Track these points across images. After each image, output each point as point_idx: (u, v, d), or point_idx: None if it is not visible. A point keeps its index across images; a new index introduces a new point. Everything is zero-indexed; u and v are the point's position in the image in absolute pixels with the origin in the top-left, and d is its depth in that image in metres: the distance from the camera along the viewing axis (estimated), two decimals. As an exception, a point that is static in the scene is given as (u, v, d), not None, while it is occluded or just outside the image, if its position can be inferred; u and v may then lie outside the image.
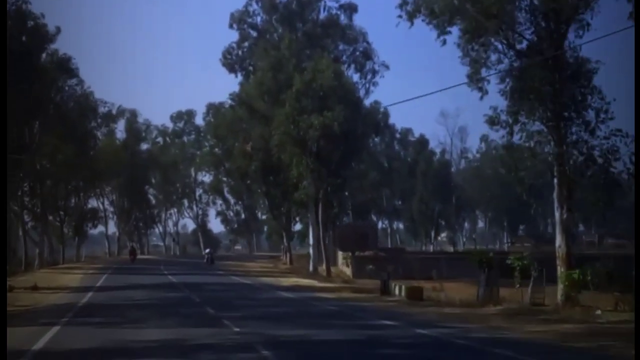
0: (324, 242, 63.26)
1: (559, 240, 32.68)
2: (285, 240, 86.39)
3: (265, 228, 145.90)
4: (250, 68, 68.81)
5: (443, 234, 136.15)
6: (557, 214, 33.28)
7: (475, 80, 36.03)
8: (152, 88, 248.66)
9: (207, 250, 67.27)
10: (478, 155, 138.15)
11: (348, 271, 64.18)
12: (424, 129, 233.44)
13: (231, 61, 69.11)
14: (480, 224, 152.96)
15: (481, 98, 35.94)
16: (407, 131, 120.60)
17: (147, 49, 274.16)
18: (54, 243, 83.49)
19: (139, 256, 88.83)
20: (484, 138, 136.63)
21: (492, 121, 36.19)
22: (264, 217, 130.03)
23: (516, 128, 36.80)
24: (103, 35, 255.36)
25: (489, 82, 36.15)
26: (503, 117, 36.15)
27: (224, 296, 33.10)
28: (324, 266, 63.38)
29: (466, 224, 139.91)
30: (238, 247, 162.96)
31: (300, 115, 59.20)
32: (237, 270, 63.44)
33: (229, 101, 69.47)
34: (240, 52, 69.61)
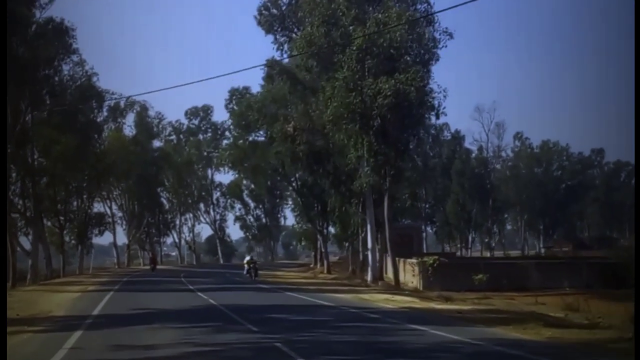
0: (391, 245, 46.19)
1: None
2: (321, 244, 69.47)
3: (280, 236, 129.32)
4: (294, 29, 51.36)
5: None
6: None
7: None
8: (165, 80, 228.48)
9: (248, 258, 49.26)
10: (511, 155, 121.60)
11: (414, 280, 47.46)
12: (458, 125, 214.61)
13: (269, 18, 51.49)
14: (508, 226, 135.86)
15: None
16: (443, 126, 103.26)
17: (159, 34, 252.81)
18: (52, 253, 66.35)
19: (153, 266, 71.91)
20: (518, 136, 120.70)
21: None
22: (286, 222, 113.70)
23: None
24: (112, 21, 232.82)
25: None
26: None
27: (339, 345, 15.63)
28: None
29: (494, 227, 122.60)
30: (247, 256, 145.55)
31: (363, 80, 42.41)
32: (279, 282, 46.61)
33: (264, 70, 51.50)
34: (277, 12, 52.06)
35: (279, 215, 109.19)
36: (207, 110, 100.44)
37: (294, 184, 71.39)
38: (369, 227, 49.64)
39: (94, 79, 62.94)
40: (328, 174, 51.38)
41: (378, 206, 46.17)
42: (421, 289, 44.96)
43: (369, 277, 49.15)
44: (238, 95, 71.38)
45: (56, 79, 58.06)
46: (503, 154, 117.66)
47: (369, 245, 49.79)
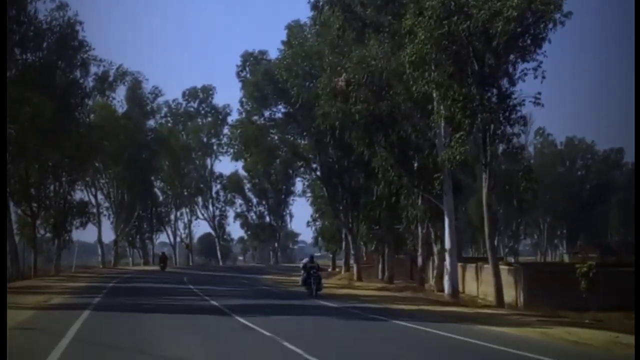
0: (492, 246, 31.10)
1: None
2: (350, 244, 54.00)
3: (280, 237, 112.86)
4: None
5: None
6: None
7: None
8: (161, 50, 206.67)
9: (307, 260, 31.85)
10: (532, 152, 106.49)
11: (513, 295, 31.89)
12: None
13: None
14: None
15: None
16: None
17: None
18: (21, 248, 51.00)
19: (145, 267, 56.36)
20: (539, 131, 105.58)
21: None
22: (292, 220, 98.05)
23: None
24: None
25: None
26: None
27: None
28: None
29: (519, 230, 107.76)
30: (240, 257, 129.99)
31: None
32: (338, 296, 30.83)
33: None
34: None
35: (284, 213, 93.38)
36: (207, 91, 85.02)
37: (317, 172, 56.00)
38: (446, 220, 34.18)
39: (77, 27, 47.39)
40: (392, 145, 35.58)
41: (490, 187, 30.72)
42: (522, 305, 30.08)
43: (446, 290, 33.83)
44: (252, 61, 56.00)
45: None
46: (525, 152, 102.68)
47: (447, 245, 34.36)
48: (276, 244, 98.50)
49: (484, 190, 30.81)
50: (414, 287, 39.42)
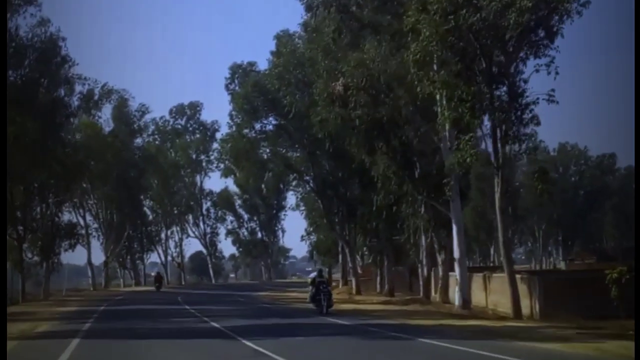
0: (508, 254, 29.09)
1: None
2: (348, 257, 51.69)
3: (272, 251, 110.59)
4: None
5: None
6: None
7: None
8: (147, 67, 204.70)
9: (315, 274, 28.46)
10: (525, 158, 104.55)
11: (528, 304, 29.48)
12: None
13: None
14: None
15: None
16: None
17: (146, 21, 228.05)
18: (8, 272, 48.43)
19: (137, 288, 53.95)
20: (531, 137, 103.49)
21: None
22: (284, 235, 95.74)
23: None
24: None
25: None
26: None
27: None
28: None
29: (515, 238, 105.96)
30: (232, 275, 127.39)
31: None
32: (348, 311, 28.67)
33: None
34: None
35: (276, 228, 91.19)
36: (195, 107, 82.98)
37: (310, 184, 53.91)
38: (454, 228, 32.22)
39: (60, 43, 45.30)
40: (394, 151, 33.53)
41: (504, 191, 28.67)
42: (538, 315, 27.87)
43: (456, 301, 31.81)
44: (241, 73, 54.08)
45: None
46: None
47: (456, 254, 32.39)
48: (269, 260, 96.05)
49: (497, 195, 28.72)
50: (419, 300, 37.34)
